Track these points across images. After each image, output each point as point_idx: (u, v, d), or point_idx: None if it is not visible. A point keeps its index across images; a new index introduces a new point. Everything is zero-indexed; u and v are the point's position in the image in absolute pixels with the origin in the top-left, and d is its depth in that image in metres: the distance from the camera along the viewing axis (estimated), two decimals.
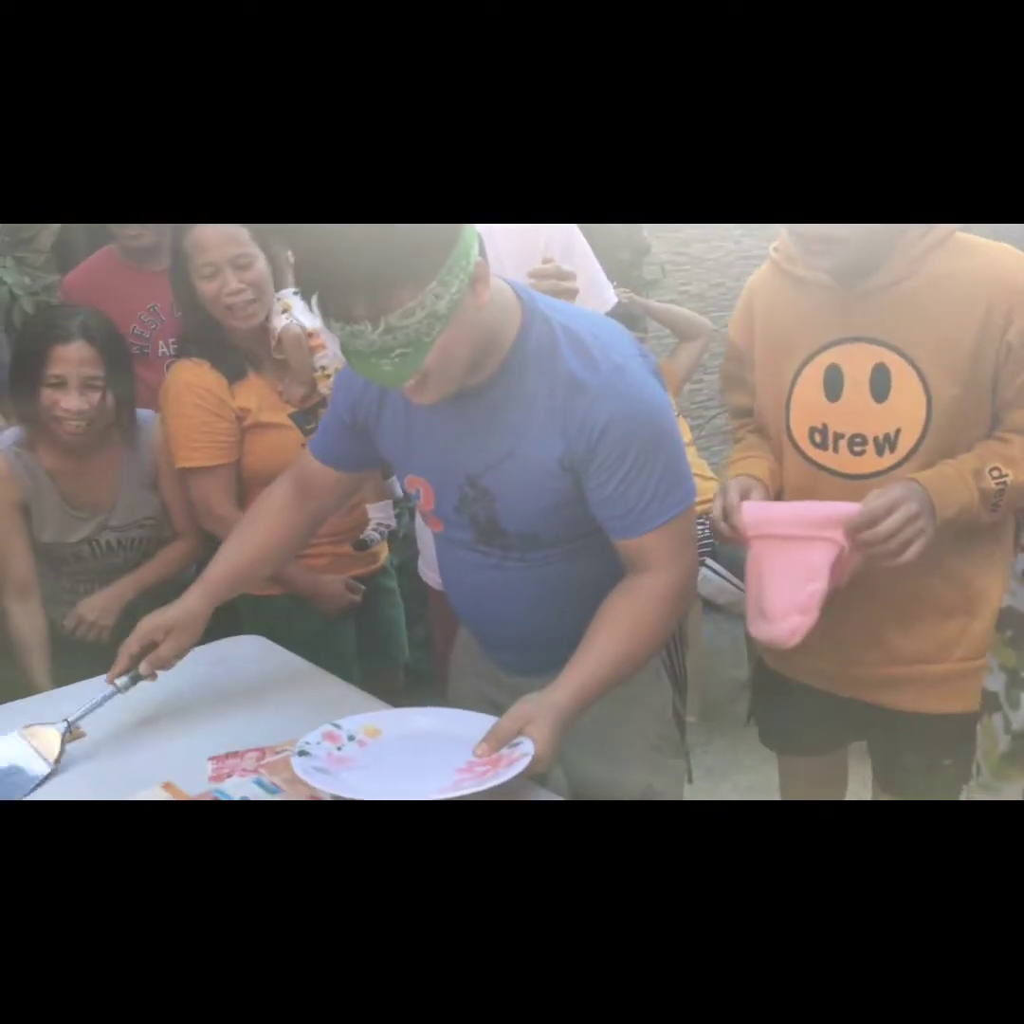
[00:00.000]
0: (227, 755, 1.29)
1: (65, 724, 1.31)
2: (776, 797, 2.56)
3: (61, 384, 1.75)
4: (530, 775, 1.10)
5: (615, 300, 1.77)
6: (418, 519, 1.67)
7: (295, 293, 1.80)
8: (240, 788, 1.21)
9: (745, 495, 1.38)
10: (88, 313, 1.84)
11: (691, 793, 2.55)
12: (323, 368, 1.84)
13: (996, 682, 1.07)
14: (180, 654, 1.36)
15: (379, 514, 1.96)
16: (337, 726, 1.22)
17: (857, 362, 1.32)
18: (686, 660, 1.45)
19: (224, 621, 1.87)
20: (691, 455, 3.10)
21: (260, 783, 1.22)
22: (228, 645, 1.64)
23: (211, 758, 1.28)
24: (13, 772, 1.27)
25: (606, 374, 1.15)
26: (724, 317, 4.00)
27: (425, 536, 1.80)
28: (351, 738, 1.21)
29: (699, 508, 2.98)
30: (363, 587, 1.95)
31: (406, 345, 1.05)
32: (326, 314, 1.06)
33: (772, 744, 1.67)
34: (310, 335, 1.80)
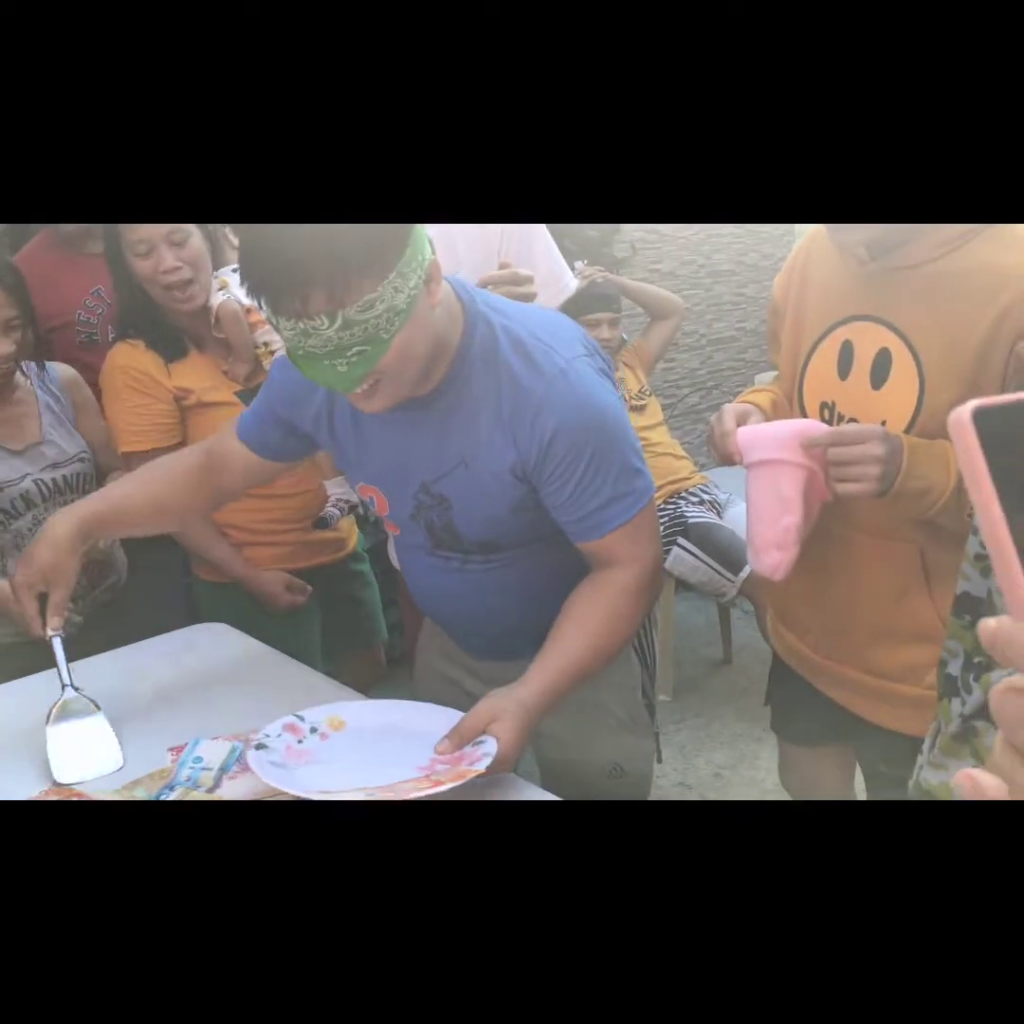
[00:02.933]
0: (182, 747, 1.25)
1: (73, 690, 1.28)
2: (747, 773, 2.61)
3: None
4: (492, 774, 1.06)
5: (574, 286, 1.72)
6: None
7: (233, 270, 1.77)
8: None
9: (742, 421, 1.31)
10: None
11: (663, 770, 2.58)
12: (266, 344, 1.80)
13: (957, 667, 1.06)
14: (68, 596, 1.29)
15: (338, 490, 1.92)
16: (300, 717, 1.19)
17: (866, 342, 1.24)
18: (655, 640, 1.44)
19: (186, 608, 1.85)
20: (662, 434, 3.09)
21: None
22: (193, 632, 1.61)
23: (170, 749, 1.25)
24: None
25: (549, 379, 1.12)
26: (695, 295, 4.04)
27: None
28: (313, 730, 1.17)
29: (671, 488, 3.02)
30: (309, 588, 1.88)
31: (364, 343, 1.01)
32: (277, 311, 1.00)
33: (774, 726, 1.64)
34: (249, 311, 1.76)
